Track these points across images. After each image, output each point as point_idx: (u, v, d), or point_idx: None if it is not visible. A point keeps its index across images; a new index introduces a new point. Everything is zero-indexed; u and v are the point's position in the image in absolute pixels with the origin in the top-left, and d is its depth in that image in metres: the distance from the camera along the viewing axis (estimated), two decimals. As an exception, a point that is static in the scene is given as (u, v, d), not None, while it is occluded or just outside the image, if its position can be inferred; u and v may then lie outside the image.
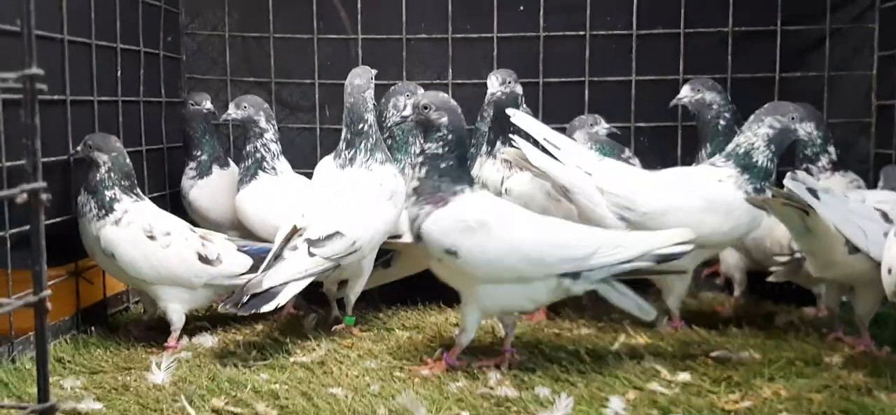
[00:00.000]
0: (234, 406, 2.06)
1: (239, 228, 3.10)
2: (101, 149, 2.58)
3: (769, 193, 2.50)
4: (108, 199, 2.58)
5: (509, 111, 2.80)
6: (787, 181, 2.36)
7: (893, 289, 2.11)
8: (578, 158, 2.71)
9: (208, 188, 3.22)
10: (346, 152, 2.72)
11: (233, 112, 3.06)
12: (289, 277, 2.61)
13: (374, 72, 2.79)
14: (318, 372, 2.36)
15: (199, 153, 3.24)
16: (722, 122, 3.01)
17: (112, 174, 2.59)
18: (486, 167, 2.91)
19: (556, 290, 2.34)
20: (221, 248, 2.70)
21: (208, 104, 3.25)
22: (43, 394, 1.37)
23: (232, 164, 3.32)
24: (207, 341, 2.66)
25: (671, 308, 2.80)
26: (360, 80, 2.74)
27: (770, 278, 2.74)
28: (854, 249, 2.34)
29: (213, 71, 3.65)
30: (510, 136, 2.80)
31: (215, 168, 3.24)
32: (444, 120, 2.31)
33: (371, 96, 2.75)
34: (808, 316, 3.00)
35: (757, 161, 2.62)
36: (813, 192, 2.33)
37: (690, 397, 2.14)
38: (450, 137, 2.30)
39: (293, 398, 2.10)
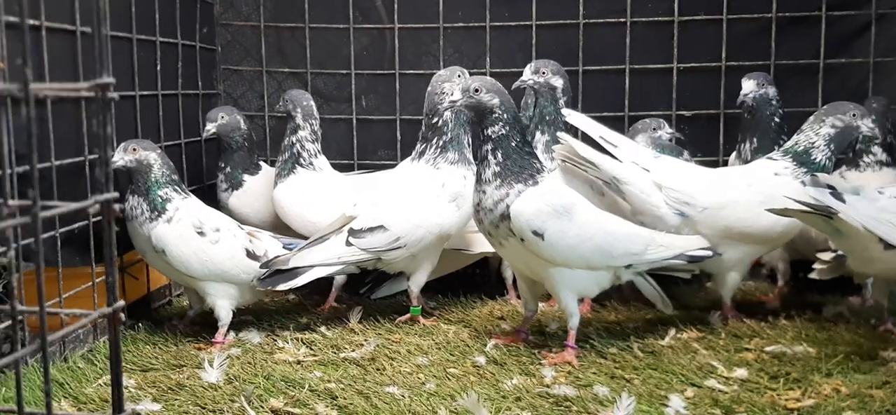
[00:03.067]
0: (293, 407, 2.04)
1: (278, 228, 3.08)
2: (148, 150, 2.55)
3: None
4: (160, 200, 2.56)
5: (564, 111, 2.79)
6: (805, 188, 2.36)
7: None
8: (634, 154, 2.71)
9: (244, 197, 3.20)
10: (419, 146, 2.71)
11: (279, 106, 3.10)
12: (318, 261, 2.64)
13: (462, 70, 2.78)
14: (371, 369, 2.35)
15: (223, 165, 3.21)
16: (776, 119, 2.99)
17: (163, 174, 2.57)
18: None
19: (613, 277, 2.51)
20: (268, 244, 2.69)
21: (242, 124, 3.19)
22: (118, 404, 1.36)
23: (263, 165, 3.29)
24: (255, 336, 2.65)
25: (724, 298, 2.79)
26: (444, 72, 2.76)
27: (813, 275, 2.71)
28: (890, 246, 2.30)
29: (246, 62, 3.62)
30: (558, 135, 2.78)
31: (245, 177, 3.21)
32: (497, 101, 2.32)
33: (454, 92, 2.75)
34: (855, 306, 2.97)
35: (815, 158, 2.64)
36: (837, 194, 2.30)
37: (751, 395, 2.12)
38: (506, 116, 2.33)
39: (351, 398, 2.09)
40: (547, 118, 2.82)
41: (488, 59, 3.46)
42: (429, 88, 2.81)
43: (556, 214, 2.32)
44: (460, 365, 2.37)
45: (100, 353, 2.49)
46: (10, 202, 1.22)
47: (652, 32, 3.44)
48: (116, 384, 1.36)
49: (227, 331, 2.66)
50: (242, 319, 2.80)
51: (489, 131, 2.33)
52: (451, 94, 2.42)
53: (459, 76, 2.80)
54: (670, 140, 3.07)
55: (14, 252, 1.28)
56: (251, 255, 2.63)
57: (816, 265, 2.70)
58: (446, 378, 2.26)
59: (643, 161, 2.72)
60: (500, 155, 2.32)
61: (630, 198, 2.71)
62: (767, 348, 2.45)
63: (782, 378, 2.23)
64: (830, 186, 2.39)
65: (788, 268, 3.13)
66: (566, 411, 2.03)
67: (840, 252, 2.61)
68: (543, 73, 2.81)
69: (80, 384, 2.22)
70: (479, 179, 2.37)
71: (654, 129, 3.10)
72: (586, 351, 2.49)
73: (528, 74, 2.80)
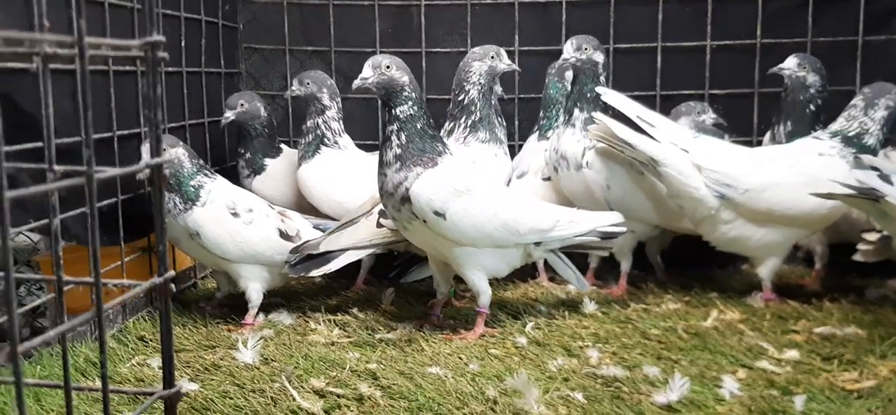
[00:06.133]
0: (336, 387, 1.98)
1: (302, 210, 3.00)
2: (174, 147, 2.47)
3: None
4: (192, 190, 2.49)
5: (600, 90, 2.71)
6: (851, 171, 2.29)
7: None
8: (672, 135, 2.63)
9: (268, 181, 3.12)
10: (447, 124, 2.65)
11: (296, 88, 3.00)
12: (350, 244, 2.58)
13: (497, 49, 2.72)
14: (409, 350, 2.28)
15: (244, 151, 3.13)
16: (812, 106, 2.90)
17: (192, 165, 2.50)
18: (565, 137, 2.80)
19: (524, 255, 2.48)
20: (300, 224, 2.63)
21: (262, 111, 3.12)
22: (169, 379, 1.29)
23: (283, 148, 3.23)
24: (286, 318, 2.59)
25: (764, 279, 2.72)
26: (478, 49, 2.71)
27: (857, 257, 2.63)
28: None
29: (269, 40, 3.54)
30: (592, 115, 2.71)
31: (267, 161, 3.14)
32: (406, 79, 2.28)
33: (483, 71, 2.69)
34: (893, 289, 2.89)
35: (867, 143, 2.60)
36: (884, 176, 2.24)
37: (807, 377, 2.05)
38: (414, 95, 2.28)
39: (393, 378, 2.02)
40: (588, 95, 2.74)
41: (517, 37, 3.38)
42: (460, 65, 2.75)
43: (456, 192, 2.28)
44: (501, 346, 2.31)
45: (130, 333, 2.43)
46: (56, 167, 1.16)
47: (684, 10, 3.35)
48: (168, 359, 1.30)
49: (257, 313, 2.59)
50: (272, 301, 2.73)
51: (397, 111, 2.27)
52: (363, 73, 2.32)
53: (493, 57, 2.72)
54: (714, 125, 2.99)
55: (57, 221, 1.21)
56: (284, 235, 2.57)
57: (861, 246, 2.63)
58: (489, 358, 2.19)
59: (682, 142, 2.65)
60: (404, 136, 2.26)
61: (668, 180, 2.64)
62: (817, 330, 2.38)
63: (836, 359, 2.16)
64: (876, 168, 2.32)
65: (827, 250, 3.05)
66: (617, 392, 1.96)
67: (885, 233, 2.55)
68: (586, 49, 2.73)
69: (114, 364, 2.16)
70: (380, 162, 2.32)
71: (698, 112, 3.03)
72: (629, 331, 2.42)
73: (570, 51, 2.72)
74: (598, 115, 2.69)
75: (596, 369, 2.09)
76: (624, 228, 2.57)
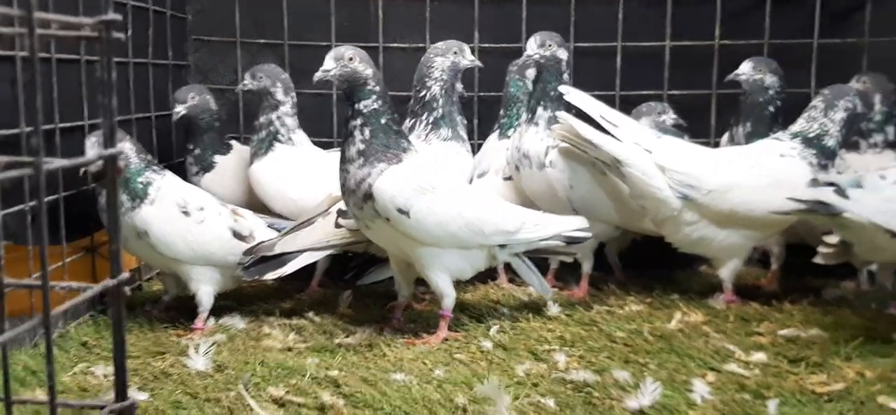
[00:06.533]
0: (296, 395, 1.88)
1: (254, 209, 2.89)
2: (119, 140, 2.33)
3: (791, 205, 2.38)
4: (141, 186, 2.37)
5: (563, 89, 2.66)
6: (807, 189, 2.30)
7: None
8: (636, 135, 2.61)
9: (218, 178, 2.99)
10: (408, 122, 2.56)
11: (249, 82, 2.89)
12: (307, 245, 2.49)
13: (460, 44, 2.65)
14: (370, 356, 2.20)
15: (192, 147, 3.01)
16: (771, 108, 2.92)
17: (140, 160, 2.38)
18: (527, 136, 2.74)
19: (488, 258, 2.42)
20: (253, 223, 2.52)
21: (212, 104, 3.00)
22: (121, 390, 1.19)
23: (234, 144, 3.11)
24: (238, 322, 2.48)
25: (725, 281, 2.71)
26: (440, 45, 2.64)
27: (817, 260, 2.64)
28: None
29: (219, 32, 3.40)
30: (555, 115, 2.66)
31: (217, 158, 3.02)
32: (370, 72, 2.21)
33: (445, 67, 2.62)
34: (851, 290, 2.92)
35: (827, 144, 2.61)
36: (841, 191, 2.24)
37: (777, 380, 2.03)
38: (378, 89, 2.21)
39: (356, 386, 1.93)
40: (551, 93, 2.69)
41: (477, 34, 3.31)
42: (422, 61, 2.68)
43: (420, 190, 2.21)
44: (466, 350, 2.24)
45: (72, 339, 2.29)
46: (0, 157, 1.05)
47: (644, 10, 3.34)
48: (120, 368, 1.19)
49: (207, 317, 2.47)
50: (223, 304, 2.60)
51: (360, 105, 2.20)
52: (324, 64, 2.25)
53: (456, 53, 2.65)
54: (674, 125, 2.97)
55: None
56: (237, 235, 2.46)
57: (821, 249, 2.63)
58: (454, 364, 2.12)
59: (645, 142, 2.62)
60: (367, 132, 2.19)
61: (631, 180, 2.60)
62: (781, 332, 2.37)
63: (803, 362, 2.15)
64: (833, 183, 2.32)
65: (783, 251, 3.06)
66: (588, 397, 1.91)
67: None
68: (549, 46, 2.67)
69: (55, 372, 2.01)
70: (343, 158, 2.24)
71: (658, 113, 3.01)
72: (595, 334, 2.38)
73: (533, 47, 2.67)
74: (561, 114, 2.64)
75: (564, 373, 2.04)
76: (589, 234, 2.53)
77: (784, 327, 2.42)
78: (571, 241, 2.50)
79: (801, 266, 3.02)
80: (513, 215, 2.41)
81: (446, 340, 2.30)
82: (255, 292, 2.83)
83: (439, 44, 2.65)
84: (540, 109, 2.72)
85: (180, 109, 2.91)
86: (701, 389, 1.94)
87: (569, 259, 2.72)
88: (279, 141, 2.89)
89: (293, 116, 2.91)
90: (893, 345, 2.28)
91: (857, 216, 2.22)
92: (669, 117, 2.99)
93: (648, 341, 2.32)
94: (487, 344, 2.26)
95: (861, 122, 2.78)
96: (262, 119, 2.89)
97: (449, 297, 2.34)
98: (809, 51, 3.30)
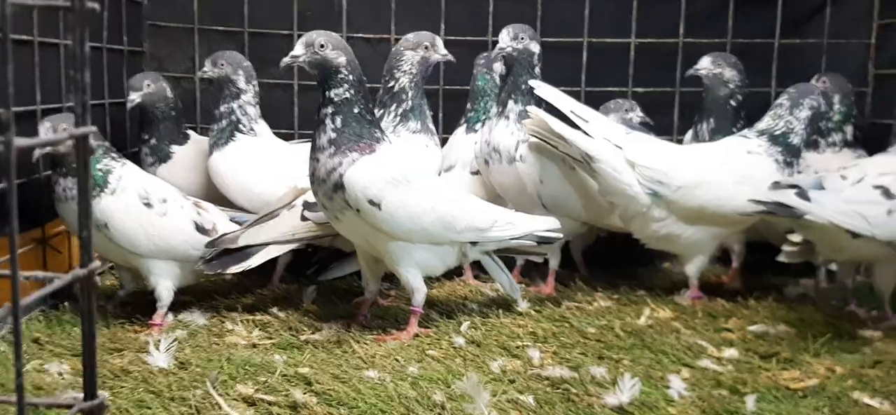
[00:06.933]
0: (266, 393, 1.80)
1: (213, 202, 2.79)
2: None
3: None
4: (101, 174, 2.25)
5: (533, 83, 2.64)
6: (769, 192, 2.31)
7: None
8: (606, 131, 2.60)
9: (175, 170, 2.88)
10: (376, 112, 2.48)
11: (209, 70, 2.79)
12: (271, 238, 2.42)
13: (432, 37, 2.59)
14: (340, 352, 2.13)
15: (148, 137, 2.90)
16: (733, 102, 2.93)
17: (98, 146, 2.27)
18: (497, 129, 2.70)
19: (459, 255, 2.37)
20: (216, 217, 2.43)
21: (168, 92, 2.90)
22: (90, 388, 1.11)
23: (191, 134, 3.01)
24: (199, 318, 2.38)
25: (691, 277, 2.72)
26: (411, 37, 2.57)
27: (781, 258, 2.66)
28: (858, 235, 2.28)
29: (176, 17, 3.29)
30: (526, 109, 2.63)
31: (174, 148, 2.92)
32: (343, 60, 2.14)
33: (415, 61, 2.56)
34: (811, 287, 2.95)
35: (793, 142, 2.62)
36: (802, 193, 2.26)
37: (752, 375, 2.03)
38: (352, 78, 2.14)
39: (328, 383, 1.86)
40: (522, 87, 2.66)
41: (444, 26, 3.26)
42: (392, 51, 2.62)
43: (394, 182, 2.15)
44: (438, 346, 2.19)
45: (23, 336, 2.15)
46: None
47: (610, 6, 3.34)
48: (90, 364, 1.11)
49: (166, 313, 2.37)
50: (182, 299, 2.49)
51: (331, 94, 2.13)
52: (294, 50, 2.18)
53: (427, 47, 2.59)
54: (641, 123, 2.96)
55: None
56: (200, 228, 2.37)
57: (785, 247, 2.65)
58: (427, 360, 2.07)
59: (615, 138, 2.61)
60: (339, 120, 2.12)
61: (601, 177, 2.59)
62: (750, 328, 2.39)
63: (774, 358, 2.16)
64: (795, 186, 2.33)
65: (744, 249, 3.08)
66: (567, 394, 1.87)
67: (809, 235, 2.58)
68: (522, 38, 2.64)
69: (6, 369, 1.90)
70: (313, 147, 2.17)
71: (626, 110, 3.00)
72: (566, 330, 2.36)
73: (506, 40, 2.63)
74: (532, 108, 2.61)
75: (540, 370, 2.00)
76: (561, 235, 2.50)
77: (752, 323, 2.43)
78: (543, 241, 2.47)
79: (762, 263, 3.06)
80: (485, 212, 2.36)
81: (417, 336, 2.25)
82: (214, 287, 2.73)
83: (410, 36, 2.59)
84: (510, 103, 2.68)
85: (135, 97, 2.80)
86: (678, 385, 1.93)
87: (539, 259, 2.68)
88: (241, 131, 2.80)
89: (255, 105, 2.82)
90: (859, 342, 2.31)
91: (819, 218, 2.24)
92: (636, 115, 2.99)
93: (620, 336, 2.30)
94: (460, 340, 2.21)
95: (821, 120, 2.81)
96: (222, 108, 2.80)
97: (420, 292, 2.28)
98: (771, 50, 3.34)
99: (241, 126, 2.79)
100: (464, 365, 2.04)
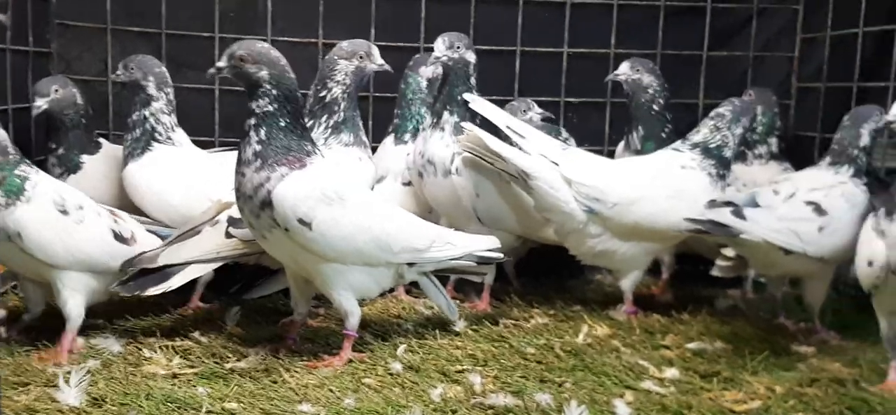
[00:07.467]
0: (193, 435, 1.66)
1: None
2: None
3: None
4: (18, 181, 2.08)
5: (467, 97, 2.57)
6: (705, 210, 2.30)
7: (872, 281, 2.07)
8: (542, 147, 2.55)
9: (83, 181, 2.67)
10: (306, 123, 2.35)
11: (121, 73, 2.64)
12: (194, 256, 2.27)
13: (368, 46, 2.47)
14: (268, 383, 2.00)
15: (55, 146, 2.72)
16: (655, 107, 2.92)
17: (10, 154, 2.08)
18: (432, 141, 2.62)
19: (395, 276, 2.28)
20: (133, 226, 2.28)
21: (78, 98, 2.72)
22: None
23: (103, 143, 2.83)
24: (113, 344, 2.22)
25: (625, 292, 2.70)
26: (346, 45, 2.45)
27: (714, 272, 2.66)
28: (791, 251, 2.30)
29: (87, 16, 3.06)
30: (461, 124, 2.56)
31: (84, 158, 2.74)
32: (264, 74, 2.03)
33: (349, 71, 2.44)
34: (739, 298, 2.98)
35: (725, 155, 2.62)
36: (738, 211, 2.27)
37: (697, 399, 1.99)
38: (275, 92, 2.02)
39: (261, 421, 1.74)
40: (458, 97, 2.58)
41: (373, 31, 3.15)
42: (325, 60, 2.49)
43: (326, 199, 2.04)
44: (373, 373, 2.08)
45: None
46: None
47: (544, 15, 3.29)
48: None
49: (76, 336, 2.19)
50: (92, 323, 2.32)
51: (254, 105, 2.02)
52: (219, 61, 2.08)
53: (362, 57, 2.47)
54: (542, 119, 2.91)
55: None
56: (118, 237, 2.22)
57: (719, 262, 2.65)
58: (364, 390, 1.96)
59: (552, 154, 2.56)
60: (263, 132, 2.01)
61: (538, 194, 2.54)
62: (688, 345, 2.37)
63: (715, 377, 2.14)
64: (730, 203, 2.33)
65: (673, 260, 3.09)
66: (513, 424, 1.80)
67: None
68: (458, 48, 2.56)
69: None
70: (238, 160, 2.06)
71: (523, 111, 2.94)
72: (506, 351, 2.29)
73: (441, 49, 2.54)
74: (467, 124, 2.54)
75: (483, 397, 1.93)
76: (501, 255, 2.43)
77: (689, 340, 2.42)
78: (483, 261, 2.40)
79: (691, 275, 3.08)
80: (424, 232, 2.27)
81: (351, 361, 2.14)
82: (129, 309, 2.54)
83: (345, 44, 2.46)
84: (446, 114, 2.60)
85: (41, 104, 2.61)
86: (623, 410, 1.90)
87: (478, 279, 2.61)
88: (157, 140, 2.63)
89: (169, 113, 2.66)
90: (794, 357, 2.33)
91: (754, 237, 2.24)
92: (535, 114, 2.93)
93: (560, 357, 2.26)
94: (397, 366, 2.11)
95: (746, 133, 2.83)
96: (134, 116, 2.63)
97: (354, 315, 2.17)
98: (700, 62, 3.36)
99: (157, 135, 2.63)
100: (403, 394, 1.94)
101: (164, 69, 2.67)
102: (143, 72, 2.62)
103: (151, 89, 2.62)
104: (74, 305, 2.17)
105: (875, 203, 2.27)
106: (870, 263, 2.07)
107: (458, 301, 2.73)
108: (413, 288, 2.66)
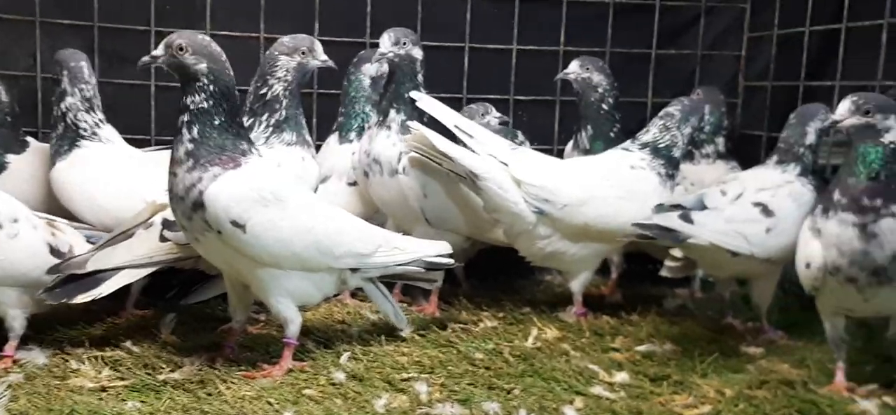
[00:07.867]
0: (117, 455, 1.56)
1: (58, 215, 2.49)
2: None
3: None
4: None
5: (414, 95, 2.50)
6: (652, 215, 2.28)
7: (812, 283, 2.05)
8: (491, 147, 2.49)
9: (10, 182, 2.53)
10: (245, 121, 2.24)
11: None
12: (126, 261, 2.16)
13: (311, 41, 2.37)
14: (203, 395, 1.91)
15: None
16: (604, 106, 2.89)
17: None
18: (378, 140, 2.54)
19: (338, 282, 2.19)
20: (72, 238, 2.17)
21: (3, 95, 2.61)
22: None
23: (31, 141, 2.70)
24: (38, 356, 2.10)
25: (575, 294, 2.66)
26: (287, 40, 2.35)
27: (664, 273, 2.64)
28: (738, 253, 2.29)
29: (14, 7, 2.90)
30: (408, 123, 2.50)
31: (10, 158, 2.61)
32: (203, 67, 1.93)
33: (291, 68, 2.34)
34: (687, 298, 2.97)
35: (674, 154, 2.60)
36: (686, 215, 2.25)
37: (647, 404, 1.96)
38: (212, 88, 1.93)
39: (193, 437, 1.64)
40: (404, 95, 2.51)
41: (317, 26, 3.05)
42: (266, 55, 2.39)
43: (262, 201, 1.94)
44: (315, 383, 2.00)
45: None
46: None
47: (493, 11, 3.24)
48: None
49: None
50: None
51: (187, 100, 1.93)
52: (155, 50, 1.98)
53: (304, 53, 2.37)
54: (500, 123, 2.87)
55: None
56: (55, 251, 2.11)
57: (668, 262, 2.62)
58: (304, 401, 1.88)
59: (501, 154, 2.51)
60: (195, 130, 1.91)
61: (487, 195, 2.49)
62: (637, 348, 2.34)
63: (664, 381, 2.11)
64: (677, 206, 2.31)
65: (622, 260, 3.06)
66: (462, 436, 1.74)
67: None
68: (404, 44, 2.49)
69: None
70: (171, 160, 1.96)
71: (482, 115, 2.91)
72: (453, 357, 2.23)
73: (387, 45, 2.47)
74: (414, 124, 2.48)
75: (429, 407, 1.87)
76: (451, 261, 2.36)
77: (639, 342, 2.39)
78: (432, 267, 2.32)
79: (639, 274, 3.06)
80: (367, 237, 2.19)
81: (291, 371, 2.05)
82: (58, 316, 2.40)
83: (286, 39, 2.36)
84: (392, 112, 2.53)
85: None
86: (573, 417, 1.84)
87: (428, 286, 2.54)
88: (83, 137, 2.52)
89: (87, 110, 2.53)
90: (743, 359, 2.31)
91: (701, 241, 2.22)
92: (493, 117, 2.90)
93: (509, 362, 2.20)
94: (339, 375, 2.03)
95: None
96: (55, 112, 2.53)
97: (293, 323, 2.08)
98: (648, 60, 3.34)
99: (82, 132, 2.51)
100: (345, 406, 1.86)
101: (81, 63, 2.54)
102: (60, 66, 2.52)
103: (65, 84, 2.51)
104: (14, 317, 2.09)
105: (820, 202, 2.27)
106: (807, 266, 2.04)
107: (404, 305, 2.68)
108: (359, 292, 2.58)
